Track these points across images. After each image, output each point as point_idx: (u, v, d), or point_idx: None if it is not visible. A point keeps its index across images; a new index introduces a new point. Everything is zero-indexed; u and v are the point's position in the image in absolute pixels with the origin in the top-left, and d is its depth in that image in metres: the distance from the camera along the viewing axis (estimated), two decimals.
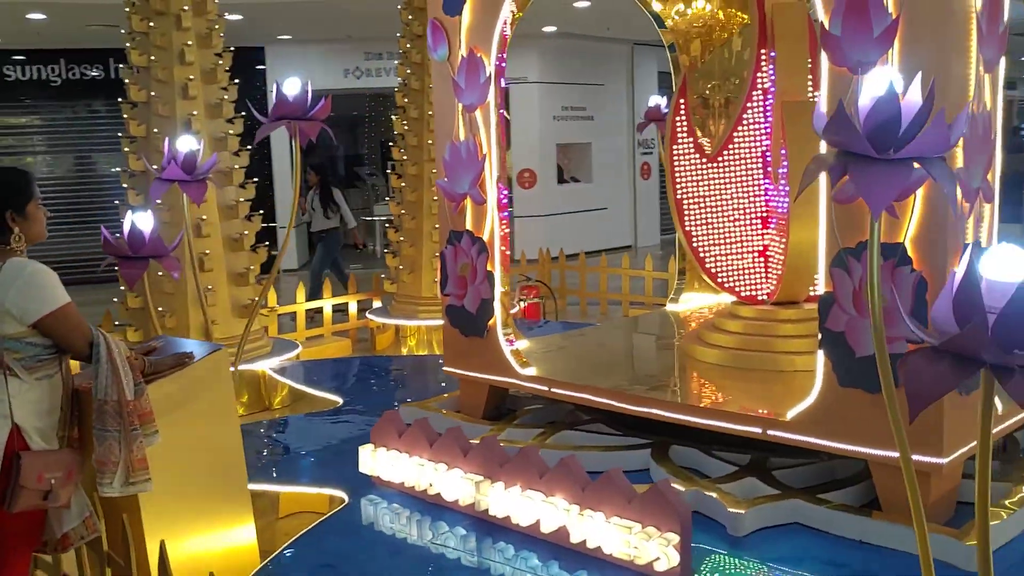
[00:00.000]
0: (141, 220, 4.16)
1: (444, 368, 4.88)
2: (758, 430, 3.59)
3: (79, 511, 3.01)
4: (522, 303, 8.53)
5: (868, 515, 3.31)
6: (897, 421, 2.23)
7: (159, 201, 6.29)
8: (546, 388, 4.37)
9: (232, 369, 4.87)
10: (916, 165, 2.08)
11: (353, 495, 3.90)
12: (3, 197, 2.89)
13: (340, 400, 5.46)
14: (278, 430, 5.15)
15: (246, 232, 6.55)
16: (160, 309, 6.25)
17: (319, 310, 8.41)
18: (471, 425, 4.55)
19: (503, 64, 4.47)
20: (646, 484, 3.19)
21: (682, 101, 4.77)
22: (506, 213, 4.52)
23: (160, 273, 4.86)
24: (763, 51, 4.61)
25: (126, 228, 4.16)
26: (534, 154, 14.91)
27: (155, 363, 3.18)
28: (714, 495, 3.46)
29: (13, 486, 2.77)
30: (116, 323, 6.58)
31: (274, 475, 4.28)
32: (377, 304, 8.66)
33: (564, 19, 12.92)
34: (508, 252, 4.67)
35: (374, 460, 3.94)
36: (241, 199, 6.57)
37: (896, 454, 3.25)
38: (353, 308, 8.68)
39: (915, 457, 3.21)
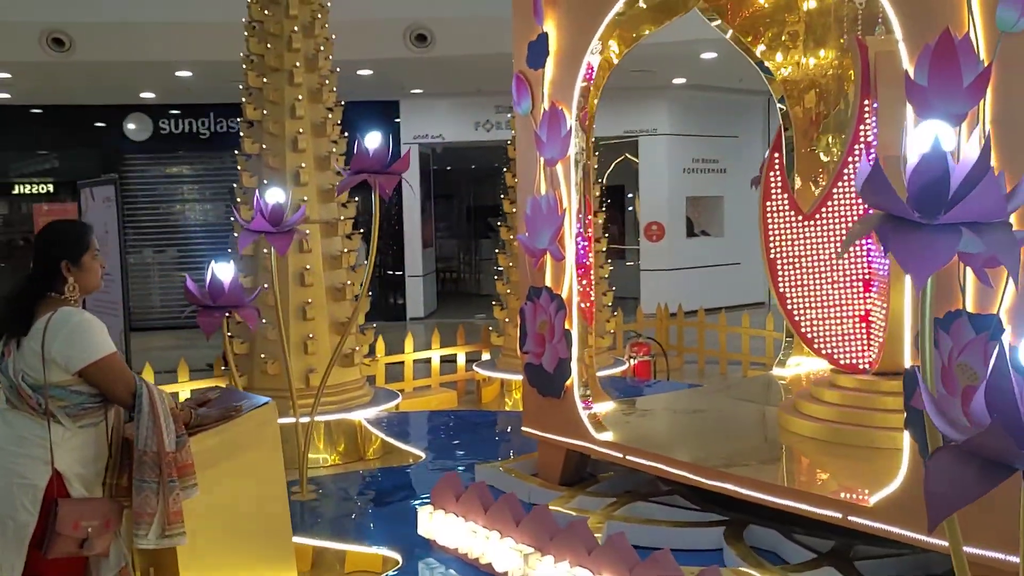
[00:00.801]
0: (221, 271, 4.24)
1: (522, 429, 4.73)
2: (838, 515, 3.27)
3: (116, 561, 3.01)
4: (632, 361, 8.28)
5: None
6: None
7: (265, 251, 6.45)
8: (621, 455, 4.15)
9: (307, 419, 4.90)
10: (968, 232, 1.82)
11: (408, 557, 3.79)
12: (59, 248, 2.96)
13: (423, 455, 5.39)
14: (354, 483, 5.11)
15: (349, 282, 6.62)
16: (263, 356, 6.38)
17: (427, 360, 8.42)
18: (542, 490, 4.38)
19: (585, 118, 4.34)
20: (711, 566, 2.94)
21: (776, 155, 4.52)
22: (582, 270, 4.37)
23: (238, 321, 4.92)
24: (866, 102, 4.31)
25: (207, 278, 4.24)
26: (662, 207, 14.65)
27: (201, 415, 3.18)
28: None
29: (50, 532, 2.80)
30: (223, 368, 6.76)
31: (336, 530, 4.23)
32: (486, 356, 8.60)
33: (694, 71, 12.71)
34: (589, 308, 4.50)
35: (431, 522, 3.82)
36: (345, 250, 6.65)
37: (994, 553, 2.90)
38: (462, 360, 8.64)
39: (1008, 557, 2.84)
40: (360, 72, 11.58)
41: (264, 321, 6.43)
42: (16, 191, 15.12)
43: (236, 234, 6.64)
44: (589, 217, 4.40)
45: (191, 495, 2.99)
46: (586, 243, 4.40)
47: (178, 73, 11.02)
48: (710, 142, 14.89)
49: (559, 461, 4.51)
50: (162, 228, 14.78)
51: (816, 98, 5.33)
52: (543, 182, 4.44)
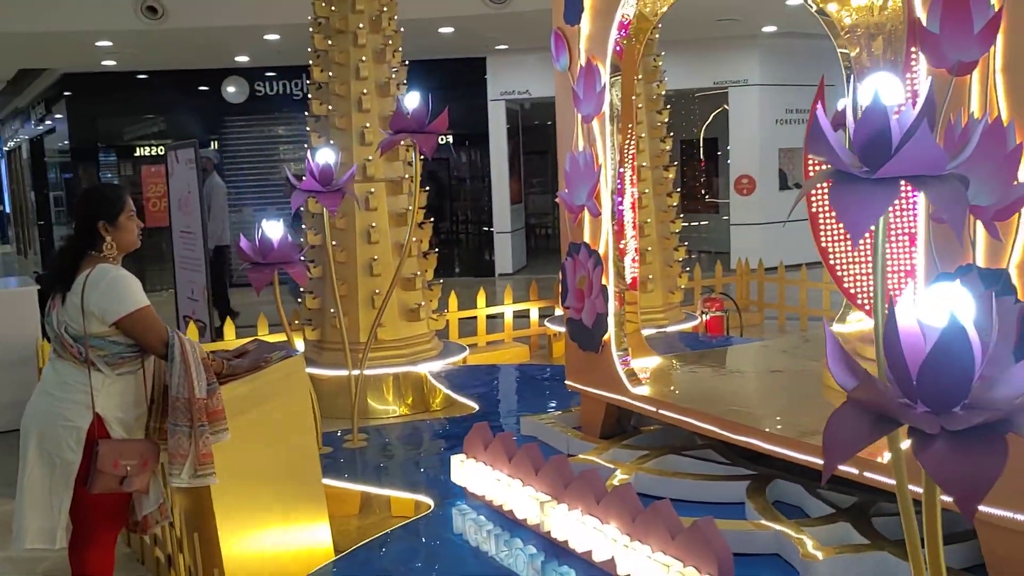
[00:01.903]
0: (270, 229, 4.43)
1: (566, 382, 4.82)
2: (855, 471, 3.25)
3: (155, 498, 3.27)
4: (704, 316, 8.23)
5: None
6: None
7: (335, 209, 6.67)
8: (654, 409, 4.20)
9: (356, 372, 5.10)
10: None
11: (441, 503, 3.95)
12: (96, 209, 3.19)
13: (476, 407, 5.54)
14: (404, 433, 5.30)
15: (414, 239, 6.78)
16: (332, 311, 6.63)
17: (500, 315, 8.57)
18: (580, 442, 4.47)
19: (617, 73, 4.33)
20: (732, 520, 2.98)
21: (819, 105, 4.40)
22: (616, 226, 4.39)
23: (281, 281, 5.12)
24: (913, 49, 4.15)
25: (256, 236, 4.44)
26: (754, 160, 14.32)
27: (233, 366, 3.39)
28: (792, 538, 3.18)
29: (92, 470, 3.06)
30: (296, 321, 7.05)
31: (380, 477, 4.43)
32: (558, 312, 8.68)
33: (783, 18, 12.31)
34: (628, 266, 4.53)
35: (462, 470, 3.97)
36: (409, 207, 6.81)
37: (1005, 512, 2.85)
38: (535, 315, 8.75)
39: (1017, 515, 2.79)
40: (442, 30, 11.67)
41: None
42: (137, 153, 15.81)
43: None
44: (622, 171, 4.40)
45: (221, 439, 3.20)
46: (621, 198, 4.41)
47: (266, 36, 11.33)
48: (804, 91, 14.41)
49: (599, 414, 4.59)
50: (262, 187, 15.30)
51: (883, 44, 5.15)
52: (580, 138, 4.47)
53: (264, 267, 4.42)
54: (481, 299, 8.40)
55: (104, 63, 13.16)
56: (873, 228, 1.94)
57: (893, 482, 3.12)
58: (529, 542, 3.47)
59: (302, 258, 4.63)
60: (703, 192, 17.47)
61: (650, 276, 7.71)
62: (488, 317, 8.52)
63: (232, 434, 3.23)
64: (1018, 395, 1.41)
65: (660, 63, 8.06)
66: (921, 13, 2.90)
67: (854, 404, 1.49)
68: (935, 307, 1.44)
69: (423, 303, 6.86)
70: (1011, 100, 2.69)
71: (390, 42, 6.73)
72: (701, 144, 17.25)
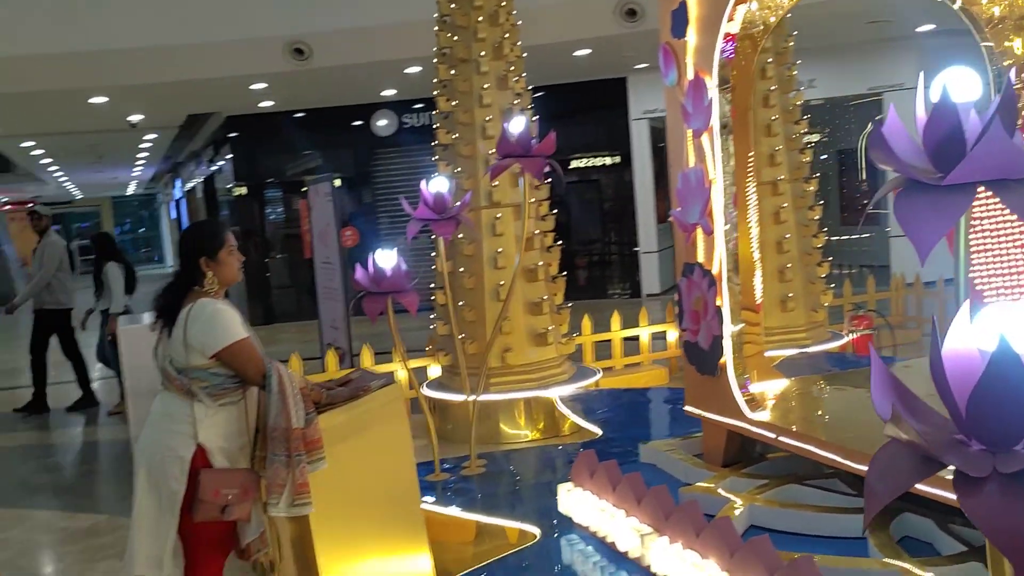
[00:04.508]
0: (382, 258, 4.50)
1: (684, 408, 4.64)
2: None
3: (257, 526, 3.34)
4: (852, 335, 7.78)
5: None
6: None
7: (461, 236, 6.74)
8: (773, 436, 3.97)
9: (472, 397, 5.09)
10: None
11: (546, 532, 3.86)
12: (198, 245, 3.32)
13: (599, 432, 5.43)
14: (522, 460, 5.24)
15: (540, 263, 6.75)
16: (462, 336, 6.68)
17: (635, 338, 8.40)
18: (696, 470, 4.29)
19: (727, 85, 4.15)
20: (855, 557, 2.77)
21: (891, 108, 4.08)
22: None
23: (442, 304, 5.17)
24: None
25: (370, 266, 4.52)
26: None
27: (331, 395, 3.43)
28: None
29: (196, 499, 3.16)
30: (427, 348, 7.15)
31: (491, 505, 4.38)
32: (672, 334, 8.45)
33: (942, 16, 11.58)
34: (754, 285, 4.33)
35: (569, 499, 3.87)
36: (537, 231, 6.79)
37: None
38: (672, 337, 8.53)
39: None
40: (577, 53, 11.66)
41: (461, 304, 6.75)
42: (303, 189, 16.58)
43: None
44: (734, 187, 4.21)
45: (318, 468, 3.24)
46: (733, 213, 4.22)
47: (406, 70, 11.65)
48: None
49: (720, 441, 4.38)
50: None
51: None
52: (691, 154, 4.32)
53: (378, 296, 4.49)
54: (615, 322, 8.26)
55: (261, 104, 13.91)
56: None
57: None
58: (634, 575, 3.34)
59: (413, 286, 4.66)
60: (863, 203, 16.64)
61: (790, 294, 7.37)
62: (626, 339, 8.37)
63: (331, 462, 3.26)
64: None
65: (795, 72, 7.73)
66: None
67: (896, 441, 1.32)
68: (988, 329, 1.26)
69: (551, 327, 6.81)
70: None
71: (512, 68, 6.76)
72: (862, 153, 16.44)
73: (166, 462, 3.20)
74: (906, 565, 3.02)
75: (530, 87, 6.99)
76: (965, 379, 1.27)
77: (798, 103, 7.76)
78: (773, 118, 7.48)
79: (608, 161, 15.38)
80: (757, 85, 7.53)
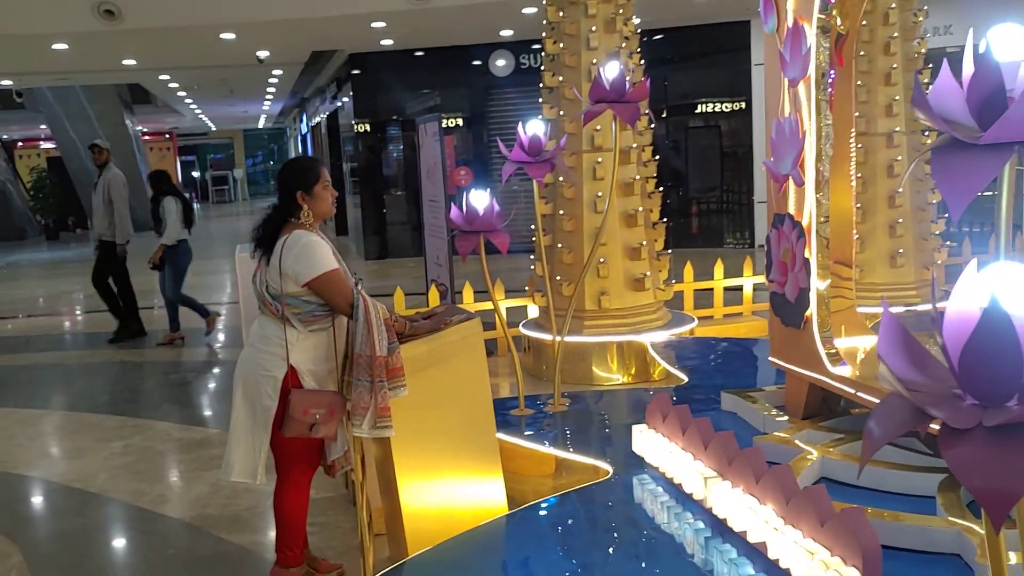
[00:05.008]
0: (475, 198, 4.63)
1: (769, 358, 4.64)
2: None
3: (341, 445, 3.58)
4: None
5: None
6: None
7: (562, 179, 6.82)
8: (852, 391, 3.95)
9: (559, 337, 5.20)
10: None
11: (618, 471, 3.98)
12: (295, 180, 3.51)
13: (686, 379, 5.48)
14: (606, 401, 5.36)
15: (640, 208, 6.77)
16: (558, 278, 6.80)
17: (738, 288, 8.33)
18: (774, 420, 4.31)
19: (826, 34, 4.06)
20: (856, 506, 2.80)
21: (944, 64, 3.90)
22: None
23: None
24: None
25: (463, 205, 4.66)
26: None
27: (415, 327, 3.61)
28: (973, 538, 2.90)
29: (286, 416, 3.41)
30: (525, 288, 7.29)
31: (572, 441, 4.53)
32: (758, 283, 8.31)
33: None
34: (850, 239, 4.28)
35: (642, 440, 3.97)
36: (637, 177, 6.79)
37: None
38: None
39: None
40: None
41: (560, 246, 6.85)
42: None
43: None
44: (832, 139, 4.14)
45: (399, 394, 3.43)
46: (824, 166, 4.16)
47: (524, 10, 11.65)
48: None
49: (802, 393, 4.38)
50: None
51: None
52: (787, 104, 4.26)
53: (470, 235, 4.64)
54: (719, 270, 8.21)
55: (383, 43, 14.16)
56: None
57: None
58: (698, 516, 3.44)
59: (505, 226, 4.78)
60: None
61: (900, 250, 7.16)
62: (727, 289, 8.32)
63: (410, 390, 3.45)
64: None
65: (921, 18, 7.40)
66: None
67: (895, 393, 1.38)
68: (984, 288, 1.29)
69: (648, 273, 6.84)
70: None
71: (621, 11, 6.72)
72: None
73: (260, 380, 3.45)
74: (970, 524, 3.02)
75: (640, 31, 6.94)
76: (962, 336, 1.31)
77: (922, 51, 7.44)
78: (893, 66, 7.20)
79: (729, 107, 15.06)
80: (878, 32, 7.26)
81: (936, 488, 3.37)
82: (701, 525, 3.37)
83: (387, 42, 14.19)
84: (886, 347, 1.43)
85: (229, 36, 12.44)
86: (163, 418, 6.71)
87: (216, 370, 8.50)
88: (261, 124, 39.05)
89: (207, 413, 7.04)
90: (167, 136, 33.63)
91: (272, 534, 3.95)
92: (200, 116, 30.53)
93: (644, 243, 6.84)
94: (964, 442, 1.27)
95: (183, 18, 11.10)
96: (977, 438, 1.26)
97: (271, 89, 22.53)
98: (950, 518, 3.14)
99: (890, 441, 1.38)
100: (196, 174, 42.64)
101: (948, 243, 7.70)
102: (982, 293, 1.30)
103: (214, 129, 38.97)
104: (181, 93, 21.82)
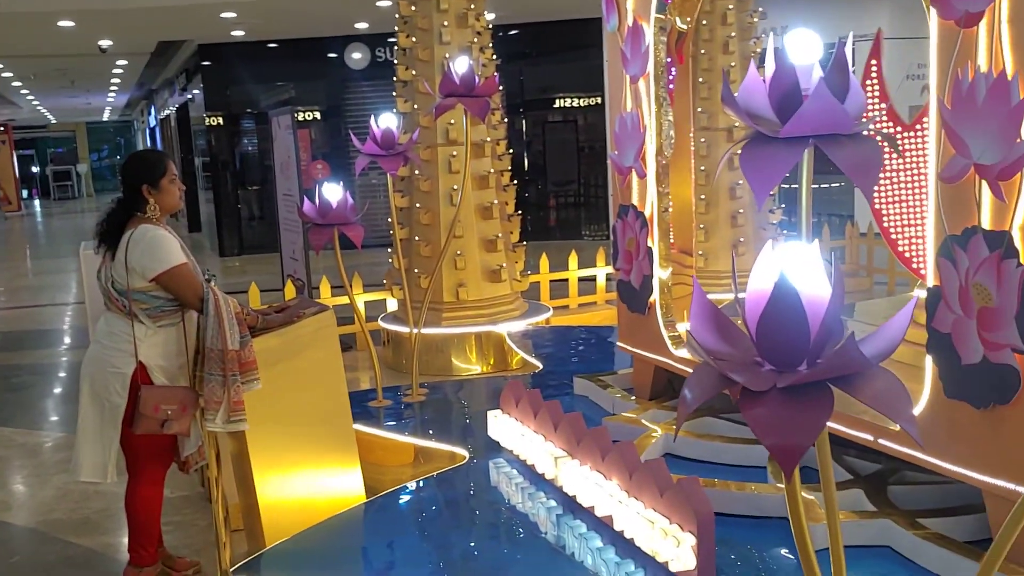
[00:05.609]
0: (328, 191, 4.64)
1: (616, 344, 4.86)
2: (870, 437, 3.19)
3: (195, 441, 3.55)
4: None
5: (966, 552, 2.82)
6: None
7: (417, 172, 6.88)
8: (691, 371, 4.19)
9: (416, 330, 5.28)
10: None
11: (475, 455, 4.09)
12: (140, 173, 3.46)
13: (541, 366, 5.65)
14: (461, 390, 5.47)
15: (495, 201, 6.90)
16: (416, 271, 6.86)
17: (592, 278, 8.60)
18: (624, 403, 4.52)
19: (663, 33, 4.29)
20: (691, 476, 3.00)
21: (874, 62, 4.25)
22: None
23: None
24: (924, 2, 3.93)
25: (316, 198, 4.66)
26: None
27: (266, 320, 3.61)
28: None
29: (136, 413, 3.35)
30: (383, 282, 7.32)
31: (427, 429, 4.61)
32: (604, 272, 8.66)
33: None
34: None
35: (497, 425, 4.10)
36: (492, 170, 6.92)
37: (1012, 485, 2.75)
38: None
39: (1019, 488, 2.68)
40: None
41: (417, 239, 6.91)
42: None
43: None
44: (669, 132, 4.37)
45: (253, 387, 3.43)
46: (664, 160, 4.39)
47: (379, 3, 11.61)
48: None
49: (648, 376, 4.61)
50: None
51: None
52: (629, 99, 4.46)
53: (323, 228, 4.64)
54: (572, 261, 8.45)
55: (234, 33, 13.81)
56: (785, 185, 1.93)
57: (908, 451, 3.06)
58: (550, 495, 3.58)
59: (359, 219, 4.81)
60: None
61: (741, 239, 7.58)
62: (582, 280, 8.57)
63: (265, 383, 3.45)
64: (840, 349, 1.41)
65: (756, 19, 7.83)
66: None
67: (704, 363, 1.52)
68: (775, 266, 1.45)
69: (505, 264, 6.99)
70: (1016, 53, 2.55)
71: (473, 6, 6.82)
72: None
73: (108, 377, 3.38)
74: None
75: (494, 26, 7.07)
76: (759, 310, 1.46)
77: (758, 51, 7.87)
78: (731, 64, 7.60)
79: (586, 102, 15.43)
80: (718, 31, 7.65)
81: (767, 458, 3.63)
82: (553, 503, 3.52)
83: (238, 33, 13.86)
84: (697, 323, 1.58)
85: (68, 24, 11.88)
86: (4, 423, 6.40)
87: (61, 373, 8.15)
88: (106, 116, 37.28)
89: (53, 418, 6.75)
90: (1, 129, 31.66)
91: (125, 536, 3.86)
92: (39, 108, 28.90)
93: (500, 235, 6.99)
94: (761, 403, 1.43)
95: (17, 3, 10.53)
96: (772, 399, 1.42)
97: (116, 80, 21.57)
98: (778, 484, 3.39)
99: (703, 405, 1.53)
100: (36, 169, 40.28)
101: (784, 232, 8.18)
102: (774, 271, 1.46)
103: (54, 122, 36.95)
104: (16, 83, 20.62)
